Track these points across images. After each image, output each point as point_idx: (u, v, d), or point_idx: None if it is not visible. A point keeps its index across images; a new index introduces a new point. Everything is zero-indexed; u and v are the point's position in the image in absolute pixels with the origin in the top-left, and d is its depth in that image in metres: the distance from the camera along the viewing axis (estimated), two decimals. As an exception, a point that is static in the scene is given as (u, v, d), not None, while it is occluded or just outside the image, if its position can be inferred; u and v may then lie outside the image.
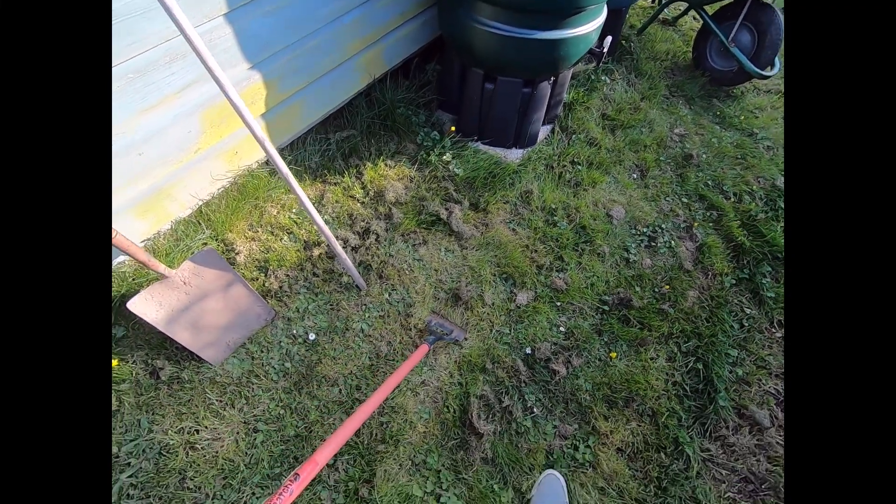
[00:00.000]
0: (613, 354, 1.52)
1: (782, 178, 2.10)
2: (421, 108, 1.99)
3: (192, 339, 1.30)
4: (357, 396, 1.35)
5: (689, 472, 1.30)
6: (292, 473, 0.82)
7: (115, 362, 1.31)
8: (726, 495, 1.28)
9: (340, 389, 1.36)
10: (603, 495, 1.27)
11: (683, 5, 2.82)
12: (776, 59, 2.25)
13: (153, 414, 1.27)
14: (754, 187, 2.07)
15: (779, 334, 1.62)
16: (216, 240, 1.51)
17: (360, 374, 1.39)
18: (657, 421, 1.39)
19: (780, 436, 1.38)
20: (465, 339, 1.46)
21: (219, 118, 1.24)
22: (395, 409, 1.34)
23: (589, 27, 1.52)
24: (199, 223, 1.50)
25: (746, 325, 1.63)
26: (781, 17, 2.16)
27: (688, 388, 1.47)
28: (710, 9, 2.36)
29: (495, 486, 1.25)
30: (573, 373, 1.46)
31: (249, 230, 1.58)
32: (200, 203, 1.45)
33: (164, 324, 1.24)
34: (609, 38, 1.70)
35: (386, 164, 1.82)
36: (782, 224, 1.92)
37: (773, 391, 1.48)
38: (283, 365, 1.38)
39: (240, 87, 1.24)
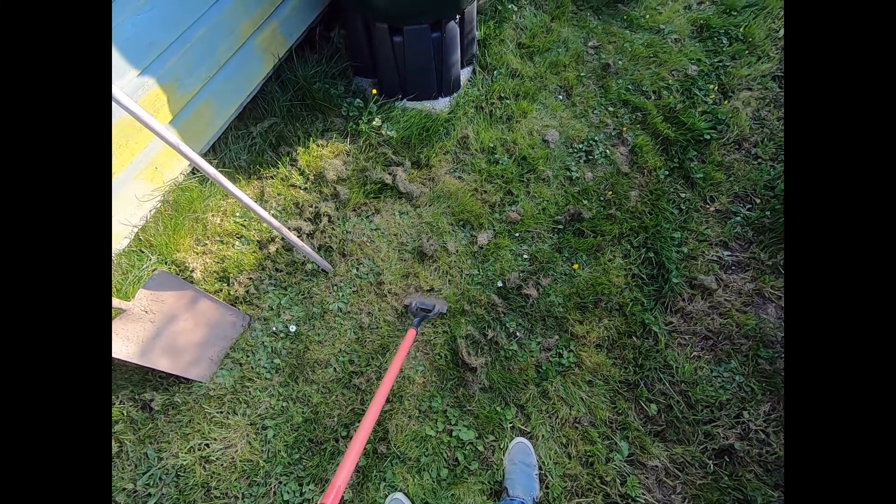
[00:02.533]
0: (576, 266, 1.64)
1: (693, 67, 2.22)
2: (337, 78, 1.92)
3: (174, 363, 1.30)
4: (352, 370, 1.41)
5: (659, 345, 1.47)
6: None
7: (102, 408, 1.29)
8: (692, 355, 1.47)
9: (335, 368, 1.41)
10: (592, 387, 1.42)
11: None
12: (666, -50, 2.30)
13: (158, 443, 1.28)
14: (670, 81, 2.18)
15: (712, 209, 1.79)
16: (165, 263, 1.47)
17: (349, 349, 1.44)
18: (624, 311, 1.54)
19: (727, 294, 1.57)
20: (448, 310, 1.48)
21: (124, 136, 1.17)
22: (391, 369, 1.41)
23: (478, -45, 1.49)
24: (142, 251, 1.44)
25: (684, 207, 1.79)
26: None
27: (645, 277, 1.62)
28: (596, -88, 2.34)
29: (498, 408, 1.37)
30: (544, 292, 1.58)
31: (197, 245, 1.54)
32: (135, 229, 1.38)
33: (139, 356, 1.23)
34: (501, -37, 1.68)
35: (318, 145, 1.78)
36: (700, 109, 2.05)
37: (715, 258, 1.66)
38: (272, 362, 1.41)
39: (135, 98, 1.16)
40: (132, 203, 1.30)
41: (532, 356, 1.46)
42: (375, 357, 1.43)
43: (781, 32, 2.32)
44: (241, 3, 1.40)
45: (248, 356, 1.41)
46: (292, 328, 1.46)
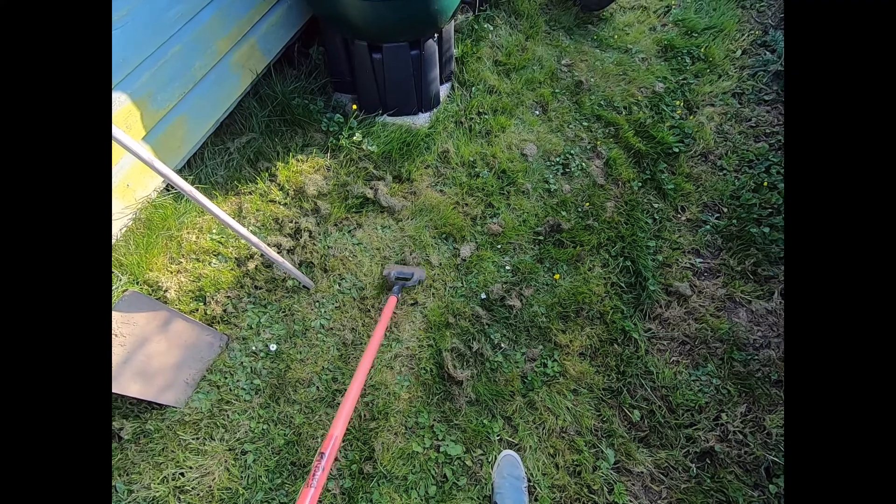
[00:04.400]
0: (557, 276, 1.67)
1: (660, 84, 2.34)
2: (316, 94, 1.93)
3: (145, 389, 1.24)
4: (336, 388, 1.38)
5: (639, 352, 1.50)
6: (317, 453, 0.85)
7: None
8: (671, 360, 1.51)
9: (318, 387, 1.38)
10: (577, 396, 1.43)
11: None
12: (630, -24, 2.44)
13: (128, 475, 1.21)
14: (639, 97, 2.29)
15: (683, 218, 1.87)
16: (137, 283, 1.41)
17: (332, 367, 1.41)
18: (605, 319, 1.57)
19: (700, 300, 1.63)
20: (424, 278, 1.53)
21: (93, 152, 1.13)
22: (377, 386, 1.39)
23: (455, -22, 1.55)
24: (112, 271, 1.38)
25: (657, 217, 1.86)
26: (625, -65, 2.32)
27: (623, 285, 1.67)
28: (564, -61, 2.47)
29: (485, 421, 1.36)
30: (527, 303, 1.60)
31: (171, 264, 1.49)
32: (105, 249, 1.33)
33: (107, 382, 1.16)
34: (478, -15, 1.74)
35: (297, 160, 1.76)
36: (668, 124, 2.16)
37: (688, 265, 1.73)
38: (251, 383, 1.36)
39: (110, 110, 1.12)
40: (102, 222, 1.25)
41: (517, 367, 1.47)
42: (359, 374, 1.40)
43: (738, 53, 2.49)
44: (218, 21, 1.39)
45: (225, 378, 1.36)
46: (272, 347, 1.42)
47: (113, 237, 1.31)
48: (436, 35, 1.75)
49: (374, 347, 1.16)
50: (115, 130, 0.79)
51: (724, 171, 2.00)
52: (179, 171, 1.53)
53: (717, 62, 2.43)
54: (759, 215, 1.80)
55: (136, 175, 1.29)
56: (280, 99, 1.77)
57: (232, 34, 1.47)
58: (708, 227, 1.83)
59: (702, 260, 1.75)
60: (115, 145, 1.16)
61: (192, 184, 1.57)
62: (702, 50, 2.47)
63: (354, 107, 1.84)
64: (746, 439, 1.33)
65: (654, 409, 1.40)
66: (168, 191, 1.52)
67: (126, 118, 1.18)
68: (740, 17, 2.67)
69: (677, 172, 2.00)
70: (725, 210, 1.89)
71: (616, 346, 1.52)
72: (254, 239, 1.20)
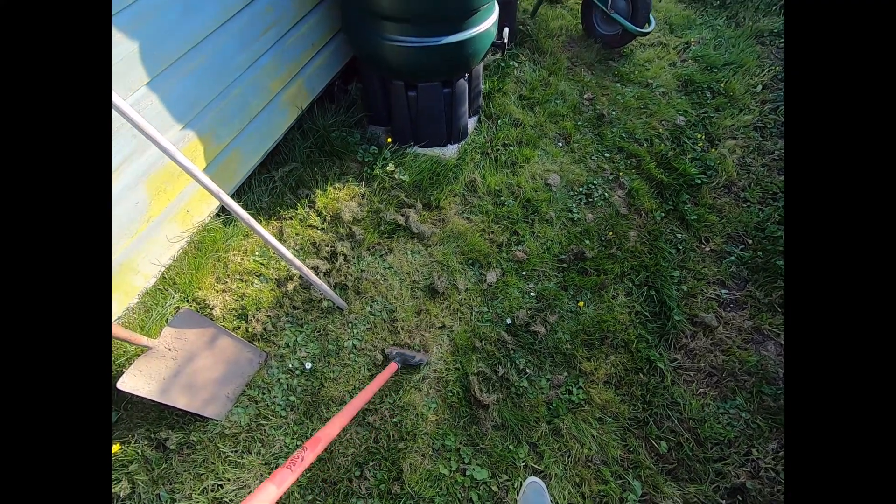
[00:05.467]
0: (581, 304, 1.71)
1: (681, 118, 2.41)
2: (353, 127, 2.07)
3: (191, 401, 1.32)
4: (366, 407, 1.42)
5: (665, 382, 1.51)
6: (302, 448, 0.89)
7: (116, 447, 1.29)
8: (698, 391, 1.51)
9: (349, 405, 1.43)
10: (602, 424, 1.44)
11: (564, -17, 3.09)
12: (650, 16, 2.56)
13: (171, 484, 1.28)
14: (660, 130, 2.36)
15: (707, 248, 1.89)
16: (187, 301, 1.52)
17: (362, 386, 1.47)
18: (630, 348, 1.59)
19: (727, 332, 1.63)
20: (429, 361, 1.51)
21: (163, 183, 1.26)
22: (405, 407, 1.43)
23: (487, 24, 1.68)
24: (166, 289, 1.50)
25: (681, 247, 1.89)
26: (645, -20, 2.46)
27: (648, 314, 1.68)
28: (586, -17, 2.62)
29: (511, 447, 1.38)
30: (552, 329, 1.63)
31: (218, 283, 1.60)
32: (162, 269, 1.45)
33: (158, 394, 1.25)
34: (507, 29, 1.88)
35: (335, 188, 1.89)
36: (689, 156, 2.21)
37: (713, 296, 1.74)
38: (287, 399, 1.43)
39: (178, 147, 1.26)
40: (163, 244, 1.37)
41: (542, 393, 1.49)
42: (389, 394, 1.45)
43: (759, 87, 2.54)
44: (273, 65, 1.55)
45: (263, 393, 1.43)
46: (308, 365, 1.49)
47: (169, 258, 1.43)
48: (466, 74, 1.87)
49: (354, 407, 1.08)
50: (185, 161, 0.90)
51: (748, 203, 2.02)
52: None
53: (737, 96, 2.48)
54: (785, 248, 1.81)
55: (195, 202, 1.42)
56: (321, 132, 1.91)
57: (283, 76, 1.63)
58: (733, 258, 1.84)
59: (727, 291, 1.76)
60: (179, 177, 1.30)
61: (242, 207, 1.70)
62: (722, 85, 2.54)
63: (389, 139, 1.97)
64: (779, 477, 1.31)
65: (682, 442, 1.39)
66: (219, 216, 1.65)
67: (192, 152, 1.32)
68: (760, 53, 2.74)
69: (700, 203, 2.03)
70: (750, 241, 1.90)
71: (641, 375, 1.53)
72: (296, 261, 1.30)
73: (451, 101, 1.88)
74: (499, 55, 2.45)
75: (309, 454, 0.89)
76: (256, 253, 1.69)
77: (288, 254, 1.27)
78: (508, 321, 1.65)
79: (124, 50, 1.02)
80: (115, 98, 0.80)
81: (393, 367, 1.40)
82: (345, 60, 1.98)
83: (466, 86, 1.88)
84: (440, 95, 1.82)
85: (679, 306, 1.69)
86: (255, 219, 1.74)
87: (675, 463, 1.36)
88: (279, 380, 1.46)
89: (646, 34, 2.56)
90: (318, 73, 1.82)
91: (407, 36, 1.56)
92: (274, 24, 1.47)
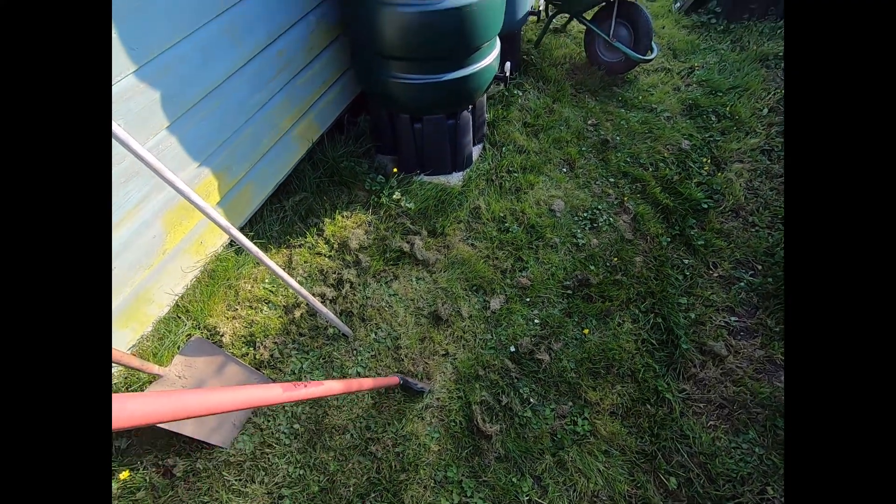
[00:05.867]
0: (586, 331, 1.69)
1: (686, 142, 2.42)
2: (362, 157, 2.15)
3: (198, 429, 1.35)
4: (369, 436, 1.43)
5: (674, 414, 1.47)
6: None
7: (125, 474, 1.33)
8: (709, 424, 1.46)
9: (351, 434, 1.44)
10: (609, 458, 1.41)
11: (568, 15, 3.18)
12: (652, 44, 2.61)
13: (177, 512, 1.30)
14: (665, 154, 2.37)
15: (715, 274, 1.86)
16: (199, 328, 1.57)
17: (366, 414, 1.48)
18: (637, 378, 1.56)
19: (738, 361, 1.59)
20: (432, 389, 1.51)
21: (179, 218, 1.33)
22: (407, 436, 1.43)
23: (488, 60, 1.75)
24: (179, 317, 1.56)
25: (688, 273, 1.86)
26: (646, 10, 2.52)
27: (655, 342, 1.66)
28: (588, 14, 2.70)
29: (514, 479, 1.36)
30: (556, 357, 1.62)
31: (228, 310, 1.65)
32: (176, 298, 1.51)
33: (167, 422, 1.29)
34: (508, 63, 1.95)
35: (343, 216, 1.95)
36: (695, 181, 2.21)
37: (722, 324, 1.70)
38: (291, 427, 1.45)
39: (192, 186, 1.34)
40: (178, 274, 1.44)
41: (546, 423, 1.47)
42: (392, 423, 1.46)
43: (765, 111, 2.54)
44: (285, 103, 1.64)
45: (268, 421, 1.46)
46: (312, 392, 1.51)
47: (182, 287, 1.49)
48: (470, 106, 1.94)
49: (348, 386, 1.08)
50: (197, 199, 0.96)
51: (757, 228, 2.00)
52: (242, 229, 1.74)
53: (743, 120, 2.49)
54: (796, 274, 1.77)
55: (209, 234, 1.49)
56: (330, 163, 1.99)
57: (294, 113, 1.72)
58: (742, 284, 1.81)
59: (737, 318, 1.72)
60: (194, 211, 1.37)
61: (252, 239, 1.77)
62: (727, 108, 2.55)
63: (395, 169, 2.03)
64: (796, 518, 1.25)
65: (692, 478, 1.35)
66: (231, 245, 1.72)
67: (207, 188, 1.40)
68: (765, 77, 2.74)
69: (707, 228, 2.01)
70: (760, 267, 1.87)
71: (649, 406, 1.50)
72: (303, 291, 1.34)
73: (455, 132, 1.94)
74: (502, 86, 2.53)
75: (308, 390, 0.89)
76: (266, 280, 1.75)
77: (294, 283, 1.31)
78: (512, 348, 1.64)
79: (147, 98, 1.11)
80: (135, 145, 0.87)
81: (395, 379, 1.40)
82: (354, 95, 2.07)
83: (470, 117, 1.95)
84: (444, 127, 1.89)
85: (687, 334, 1.66)
86: (266, 248, 1.80)
87: (686, 500, 1.32)
88: (284, 407, 1.48)
89: (648, 61, 2.60)
90: (328, 107, 1.91)
91: (411, 73, 1.64)
92: (285, 67, 1.57)
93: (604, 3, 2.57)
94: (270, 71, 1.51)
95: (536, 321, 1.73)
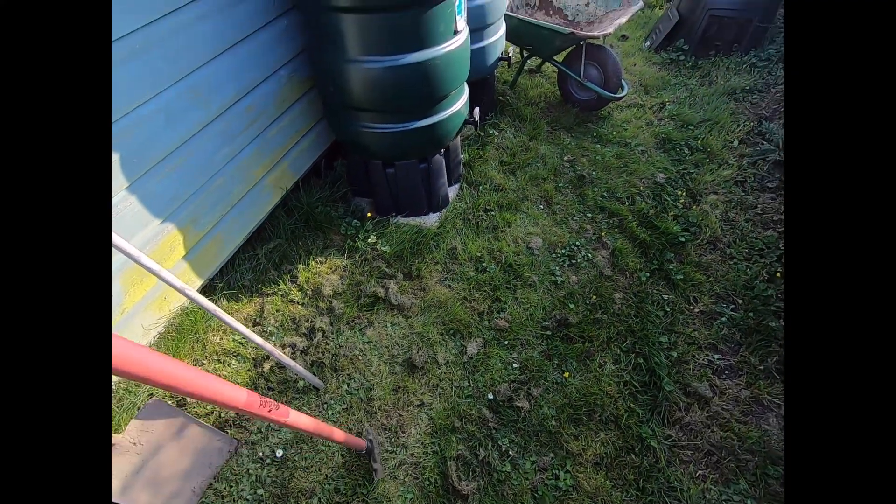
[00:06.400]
0: (567, 374, 1.64)
1: (661, 175, 2.45)
2: (338, 201, 2.16)
3: (153, 499, 1.27)
4: (338, 500, 1.35)
5: (660, 463, 1.40)
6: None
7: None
8: (697, 474, 1.38)
9: (319, 498, 1.35)
10: (593, 515, 1.32)
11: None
12: (623, 81, 2.70)
13: None
14: (641, 188, 2.39)
15: (696, 310, 1.83)
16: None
17: (335, 475, 1.40)
18: (620, 424, 1.49)
19: (724, 403, 1.53)
20: (381, 478, 1.37)
21: (139, 276, 1.31)
22: (379, 499, 1.35)
23: (457, 106, 1.80)
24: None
25: (668, 309, 1.83)
26: (613, 51, 2.63)
27: (637, 384, 1.60)
28: (559, 57, 2.82)
29: (493, 544, 1.26)
30: (536, 404, 1.56)
31: (195, 365, 1.60)
32: (138, 356, 1.46)
33: (119, 493, 1.21)
34: (477, 109, 2.00)
35: (317, 262, 1.93)
36: (671, 214, 2.22)
37: (706, 362, 1.65)
38: (255, 493, 1.36)
39: (155, 243, 1.32)
40: (138, 333, 1.39)
41: (527, 479, 1.39)
42: (363, 485, 1.37)
43: (736, 143, 2.60)
44: (257, 154, 1.66)
45: (231, 486, 1.37)
46: (279, 453, 1.43)
47: (146, 344, 1.44)
48: (442, 150, 1.97)
49: (317, 427, 1.01)
50: (148, 262, 0.94)
51: (735, 260, 1.99)
52: (212, 279, 1.71)
53: (715, 152, 2.54)
54: (776, 308, 1.74)
55: (170, 292, 1.46)
56: (305, 208, 2.00)
57: (266, 163, 1.74)
58: (724, 319, 1.78)
59: (720, 356, 1.68)
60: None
61: (223, 289, 1.74)
62: (699, 141, 2.61)
63: (370, 213, 2.04)
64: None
65: (682, 537, 1.26)
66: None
67: (171, 243, 1.38)
68: (734, 110, 2.83)
69: (685, 262, 2.00)
70: (741, 301, 1.84)
71: (633, 455, 1.42)
72: (267, 346, 1.30)
73: (429, 175, 1.96)
74: (473, 130, 2.58)
75: (274, 413, 0.86)
76: (236, 332, 1.70)
77: (257, 339, 1.27)
78: (490, 396, 1.58)
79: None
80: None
81: (362, 443, 1.29)
82: (330, 141, 2.11)
83: (443, 160, 1.97)
84: (417, 171, 1.91)
85: (670, 375, 1.61)
86: (238, 297, 1.77)
87: (676, 563, 1.22)
88: (248, 470, 1.40)
89: (619, 98, 2.69)
90: (302, 155, 1.94)
91: (380, 123, 1.67)
92: (255, 121, 1.60)
93: (573, 47, 2.68)
94: (239, 125, 1.54)
95: (515, 365, 1.68)
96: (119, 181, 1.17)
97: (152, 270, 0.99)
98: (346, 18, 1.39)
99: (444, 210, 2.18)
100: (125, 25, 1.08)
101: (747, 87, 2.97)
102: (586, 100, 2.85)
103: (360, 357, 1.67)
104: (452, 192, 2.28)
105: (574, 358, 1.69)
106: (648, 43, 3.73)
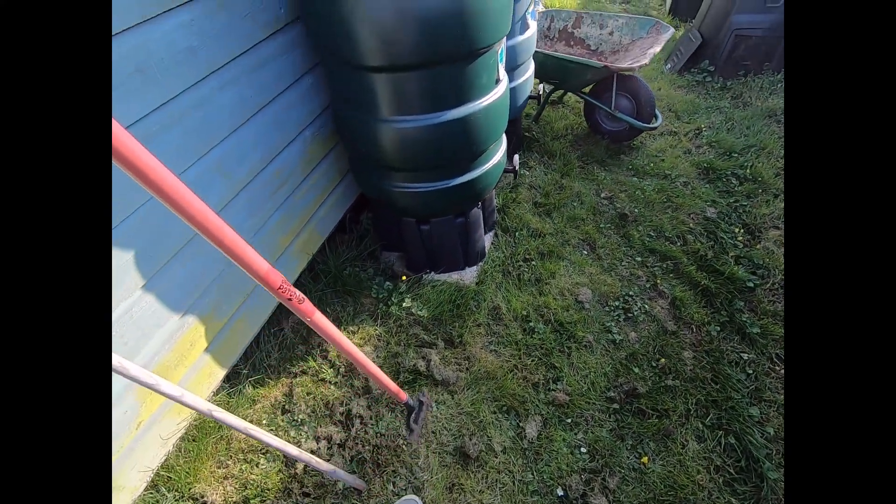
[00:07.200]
0: (645, 459, 1.41)
1: (710, 209, 2.26)
2: (366, 260, 1.99)
3: None
4: None
5: (782, 583, 1.15)
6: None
7: None
8: None
9: None
10: None
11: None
12: (656, 111, 2.55)
13: None
14: (691, 225, 2.20)
15: (782, 370, 1.60)
16: (181, 500, 1.31)
17: None
18: (721, 528, 1.25)
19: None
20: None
21: (157, 380, 1.14)
22: None
23: (496, 158, 1.64)
24: (158, 487, 1.30)
25: (751, 371, 1.60)
26: (645, 82, 2.49)
27: (732, 470, 1.36)
28: (586, 88, 2.68)
29: None
30: (615, 499, 1.32)
31: (219, 468, 1.40)
32: (153, 472, 1.27)
33: None
34: (517, 157, 1.84)
35: (348, 332, 1.74)
36: (732, 254, 2.01)
37: (811, 442, 1.41)
38: None
39: (173, 342, 1.16)
40: (156, 445, 1.21)
41: None
42: None
43: (788, 169, 2.41)
44: (282, 222, 1.51)
45: None
46: (320, 580, 1.21)
47: (163, 455, 1.25)
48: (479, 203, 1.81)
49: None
50: (164, 387, 0.76)
51: (817, 308, 1.76)
52: (235, 366, 1.53)
53: (768, 181, 2.35)
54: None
55: (195, 386, 1.28)
56: (333, 272, 1.83)
57: (293, 228, 1.58)
58: (819, 382, 1.54)
59: (826, 431, 1.43)
60: (177, 366, 1.17)
61: (248, 373, 1.56)
62: (747, 170, 2.42)
63: (404, 277, 1.87)
64: None
65: None
66: (223, 387, 1.50)
67: (192, 338, 1.21)
68: (779, 133, 2.65)
69: (759, 311, 1.78)
70: (834, 358, 1.60)
71: (746, 570, 1.18)
72: (304, 456, 1.10)
73: (466, 229, 1.79)
74: (512, 179, 2.43)
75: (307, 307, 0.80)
76: (264, 421, 1.51)
77: (291, 450, 1.08)
78: (560, 492, 1.35)
79: (119, 261, 0.96)
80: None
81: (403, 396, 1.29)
82: (356, 194, 1.96)
83: (480, 212, 1.81)
84: (454, 226, 1.75)
85: (770, 458, 1.37)
86: (263, 382, 1.58)
87: None
88: None
89: (654, 128, 2.53)
90: (329, 214, 1.79)
91: (415, 182, 1.52)
92: (281, 186, 1.45)
93: (600, 79, 2.55)
94: (266, 192, 1.39)
95: (584, 450, 1.45)
96: (133, 280, 1.01)
97: (174, 397, 0.82)
98: (378, 78, 1.26)
99: (481, 263, 2.00)
100: (141, 107, 0.94)
101: (788, 108, 2.79)
102: (616, 130, 2.69)
103: (404, 447, 1.46)
104: (487, 240, 2.11)
105: (650, 437, 1.46)
106: (669, 66, 3.61)
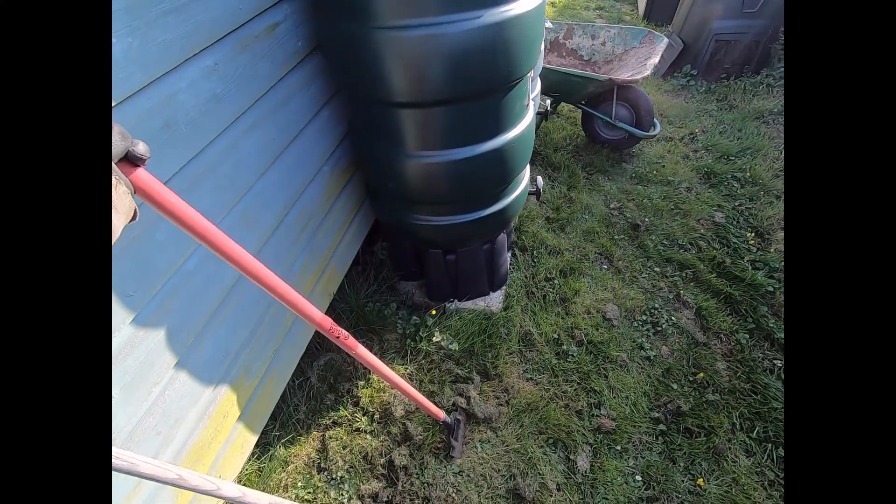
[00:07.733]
0: (700, 481, 1.38)
1: (718, 214, 2.30)
2: (385, 293, 1.90)
3: None
4: None
5: None
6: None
7: None
8: None
9: None
10: None
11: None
12: (654, 120, 2.58)
13: None
14: (701, 231, 2.23)
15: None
16: (222, 588, 1.18)
17: None
18: (789, 548, 1.23)
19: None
20: None
21: (189, 464, 1.01)
22: None
23: (522, 185, 1.59)
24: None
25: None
26: (644, 92, 2.52)
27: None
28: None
29: None
30: (678, 529, 1.29)
31: (257, 543, 1.27)
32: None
33: None
34: (539, 178, 1.81)
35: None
36: (746, 259, 2.04)
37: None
38: None
39: (206, 418, 1.03)
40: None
41: None
42: None
43: (784, 170, 2.49)
44: (305, 264, 1.40)
45: None
46: None
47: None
48: (503, 225, 1.75)
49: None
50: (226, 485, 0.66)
51: (837, 308, 1.81)
52: (266, 428, 1.41)
53: (767, 183, 2.41)
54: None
55: (227, 463, 1.16)
56: (355, 310, 1.73)
57: (318, 269, 1.48)
58: (852, 384, 1.57)
59: (869, 435, 1.45)
60: (208, 449, 1.05)
61: (279, 438, 1.44)
62: (746, 173, 2.48)
63: (433, 312, 1.78)
64: None
65: None
66: (255, 451, 1.38)
67: (225, 408, 1.09)
68: (770, 135, 2.74)
69: (784, 316, 1.81)
70: (862, 359, 1.64)
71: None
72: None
73: (492, 255, 1.73)
74: (537, 201, 2.39)
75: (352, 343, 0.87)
76: (299, 484, 1.39)
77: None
78: (622, 527, 1.31)
79: (148, 346, 0.84)
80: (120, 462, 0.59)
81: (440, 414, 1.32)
82: (370, 225, 1.87)
83: (505, 237, 1.75)
84: (481, 253, 1.68)
85: (822, 469, 1.37)
86: (293, 440, 1.46)
87: None
88: None
89: (654, 136, 2.56)
90: (347, 249, 1.69)
91: (445, 216, 1.45)
92: (305, 228, 1.35)
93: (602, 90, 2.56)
94: (291, 237, 1.29)
95: (637, 477, 1.41)
96: (166, 361, 0.89)
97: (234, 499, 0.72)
98: (405, 114, 1.18)
99: (504, 286, 1.94)
100: (170, 165, 0.83)
101: (774, 109, 2.90)
102: (616, 138, 2.71)
103: (454, 496, 1.38)
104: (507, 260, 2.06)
105: (701, 456, 1.44)
106: (654, 70, 3.69)
